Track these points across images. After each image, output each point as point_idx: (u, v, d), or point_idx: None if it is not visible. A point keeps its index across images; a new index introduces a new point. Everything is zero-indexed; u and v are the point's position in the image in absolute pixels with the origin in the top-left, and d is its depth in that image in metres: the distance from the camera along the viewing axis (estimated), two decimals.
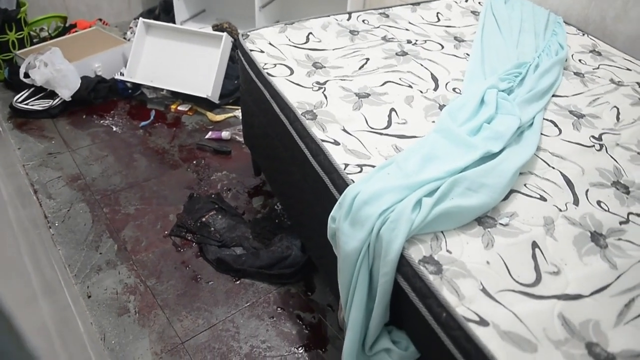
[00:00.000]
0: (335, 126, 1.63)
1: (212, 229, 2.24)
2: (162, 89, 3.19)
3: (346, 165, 1.46)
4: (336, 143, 1.55)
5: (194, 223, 2.27)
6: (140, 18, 3.27)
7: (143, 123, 3.02)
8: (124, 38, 3.60)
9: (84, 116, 3.05)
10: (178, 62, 3.20)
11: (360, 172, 1.44)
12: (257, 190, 2.54)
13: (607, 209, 1.42)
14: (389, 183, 1.33)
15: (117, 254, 2.16)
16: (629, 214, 1.42)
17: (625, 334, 1.09)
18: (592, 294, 1.17)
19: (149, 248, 2.19)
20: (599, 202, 1.44)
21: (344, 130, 1.61)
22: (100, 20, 3.90)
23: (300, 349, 1.82)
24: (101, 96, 3.17)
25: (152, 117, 3.07)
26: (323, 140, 1.55)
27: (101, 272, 2.07)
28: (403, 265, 1.20)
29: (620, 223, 1.38)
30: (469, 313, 1.08)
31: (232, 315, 1.91)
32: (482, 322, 1.06)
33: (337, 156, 1.49)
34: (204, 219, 2.28)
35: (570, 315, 1.11)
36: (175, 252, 2.18)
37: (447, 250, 1.22)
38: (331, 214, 1.37)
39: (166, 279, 2.06)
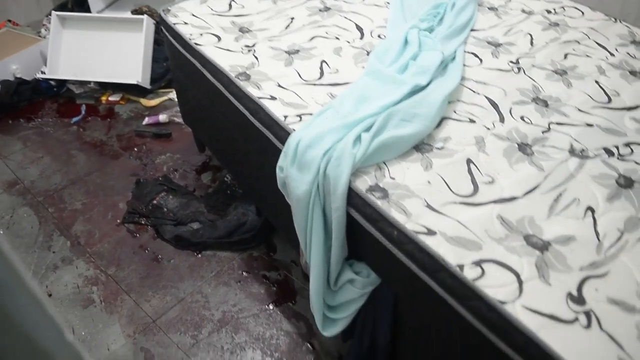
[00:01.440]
0: (269, 83, 1.66)
1: (165, 209, 2.24)
2: (89, 82, 3.09)
3: (285, 117, 1.50)
4: (273, 98, 1.58)
5: (145, 207, 2.26)
6: (53, 12, 3.12)
7: (75, 119, 2.93)
8: (39, 36, 3.44)
9: (10, 121, 2.92)
10: (101, 52, 3.10)
11: (300, 121, 1.49)
12: (204, 167, 2.54)
13: (530, 122, 1.55)
14: (328, 125, 1.38)
15: (72, 250, 2.12)
16: (549, 123, 1.55)
17: (556, 223, 1.22)
18: (524, 194, 1.29)
19: (103, 239, 2.16)
20: (522, 117, 1.56)
21: (279, 86, 1.65)
22: (10, 21, 3.69)
23: (270, 305, 1.87)
24: (25, 98, 3.03)
25: (83, 112, 2.97)
26: (260, 98, 1.58)
27: (58, 270, 2.03)
28: (352, 197, 1.27)
29: (543, 132, 1.51)
30: (418, 227, 1.17)
31: (199, 287, 1.94)
32: (430, 233, 1.15)
33: (276, 110, 1.53)
34: (154, 202, 2.27)
35: (508, 215, 1.22)
36: (131, 238, 2.17)
37: (391, 177, 1.30)
38: (278, 164, 1.42)
39: (127, 265, 2.05)
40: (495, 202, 1.26)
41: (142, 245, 2.13)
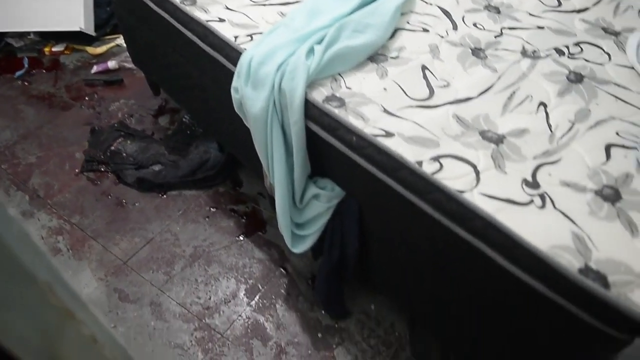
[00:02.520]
0: (217, 6, 1.59)
1: (124, 154, 2.18)
2: (29, 33, 2.91)
3: (236, 37, 1.46)
4: (221, 20, 1.52)
5: (104, 154, 2.20)
6: None
7: (18, 73, 2.77)
8: None
9: None
10: (37, 0, 2.91)
11: (251, 40, 1.45)
12: (161, 110, 2.47)
13: (482, 28, 1.55)
14: (280, 40, 1.35)
15: (31, 203, 2.06)
16: (502, 28, 1.55)
17: (510, 119, 1.24)
18: (479, 95, 1.30)
19: (63, 189, 2.11)
20: (475, 24, 1.56)
21: (227, 8, 1.59)
22: None
23: (241, 236, 1.88)
24: None
25: (26, 66, 2.81)
26: (208, 21, 1.52)
27: None
28: (309, 109, 1.26)
29: (495, 37, 1.51)
30: (376, 130, 1.17)
31: (168, 226, 1.93)
32: (388, 135, 1.16)
33: (226, 32, 1.48)
34: (112, 148, 2.21)
35: (463, 114, 1.24)
36: (92, 186, 2.11)
37: (347, 87, 1.29)
38: (232, 85, 1.39)
39: (90, 212, 2.01)
40: (450, 103, 1.27)
41: (105, 192, 2.08)
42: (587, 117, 1.26)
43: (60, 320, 0.51)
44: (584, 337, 0.98)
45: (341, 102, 1.24)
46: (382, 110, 1.23)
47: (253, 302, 1.69)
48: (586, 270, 0.93)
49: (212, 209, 1.99)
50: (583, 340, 1.00)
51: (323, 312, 1.65)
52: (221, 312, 1.67)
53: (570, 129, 1.23)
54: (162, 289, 1.73)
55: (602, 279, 0.92)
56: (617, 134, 1.20)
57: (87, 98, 2.56)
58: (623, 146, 1.17)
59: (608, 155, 1.15)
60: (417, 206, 1.11)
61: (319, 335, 1.61)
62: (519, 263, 0.98)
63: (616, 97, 1.31)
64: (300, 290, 1.72)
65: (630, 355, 0.97)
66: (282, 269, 1.78)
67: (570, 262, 0.94)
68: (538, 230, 0.99)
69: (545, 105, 1.29)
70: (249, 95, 1.32)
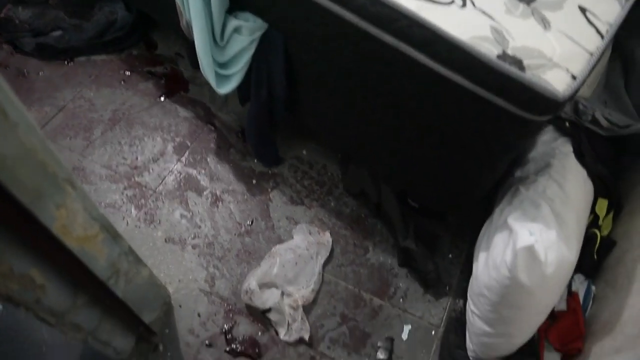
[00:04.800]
0: None
1: (17, 21, 1.94)
2: None
3: None
4: None
5: None
6: None
7: None
8: None
9: None
10: None
11: None
12: None
13: None
14: None
15: None
16: None
17: None
18: None
19: None
20: None
21: None
22: None
23: (162, 97, 1.80)
24: None
25: None
26: None
27: None
28: None
29: None
30: None
31: (80, 92, 1.79)
32: None
33: None
34: (2, 15, 1.96)
35: None
36: None
37: None
38: None
39: None
40: None
41: (1, 64, 1.87)
42: None
43: None
44: (502, 124, 1.05)
45: None
46: None
47: (183, 158, 1.66)
48: (504, 56, 0.98)
49: (127, 72, 1.86)
50: (501, 128, 1.07)
51: (256, 160, 1.66)
52: (150, 170, 1.63)
53: None
54: (83, 154, 1.65)
55: (518, 63, 0.97)
56: None
57: None
58: None
59: None
60: (342, 18, 1.08)
61: (254, 181, 1.63)
62: (442, 58, 1.00)
63: None
64: (231, 142, 1.70)
65: None
66: (209, 125, 1.74)
67: (489, 50, 0.98)
68: (460, 25, 1.01)
69: None
70: None
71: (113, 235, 1.00)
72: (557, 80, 0.97)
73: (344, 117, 1.42)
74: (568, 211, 1.21)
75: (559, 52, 1.01)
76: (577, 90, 0.98)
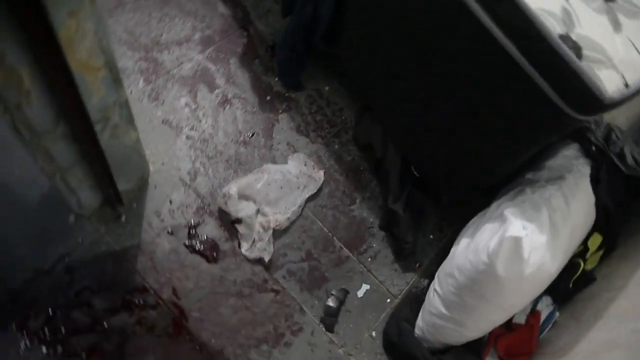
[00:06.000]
0: None
1: None
2: None
3: None
4: None
5: None
6: None
7: None
8: None
9: None
10: None
11: None
12: None
13: None
14: None
15: None
16: None
17: None
18: None
19: None
20: None
21: None
22: None
23: None
24: None
25: None
26: None
27: None
28: None
29: None
30: None
31: None
32: None
33: None
34: None
35: None
36: None
37: None
38: None
39: None
40: None
41: None
42: None
43: None
44: (538, 112, 1.00)
45: None
46: None
47: (207, 51, 1.60)
48: (566, 38, 0.92)
49: None
50: (536, 116, 1.02)
51: (277, 79, 1.61)
52: (171, 51, 1.57)
53: None
54: (111, 13, 1.59)
55: (577, 50, 0.92)
56: None
57: None
58: None
59: None
60: None
61: (268, 98, 1.58)
62: (502, 19, 0.95)
63: None
64: (258, 53, 1.64)
65: None
66: (243, 30, 1.68)
67: (553, 26, 0.92)
68: None
69: None
70: None
71: (115, 78, 0.95)
72: (610, 81, 0.91)
73: (379, 67, 1.36)
74: (565, 227, 1.17)
75: (621, 56, 0.96)
76: (624, 100, 0.93)
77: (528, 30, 0.92)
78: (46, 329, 1.13)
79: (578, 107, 0.95)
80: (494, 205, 1.28)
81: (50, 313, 1.15)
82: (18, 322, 1.13)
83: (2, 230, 1.19)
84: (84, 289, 1.19)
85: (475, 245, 1.14)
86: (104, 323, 1.17)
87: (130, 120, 1.11)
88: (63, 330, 1.14)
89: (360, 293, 1.38)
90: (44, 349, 1.12)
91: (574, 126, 1.06)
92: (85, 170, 1.10)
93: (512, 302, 1.16)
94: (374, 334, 1.35)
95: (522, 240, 1.03)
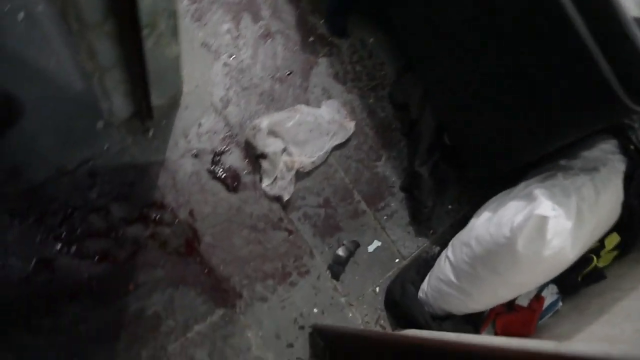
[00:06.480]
0: None
1: None
2: None
3: None
4: None
5: None
6: None
7: None
8: None
9: None
10: None
11: None
12: None
13: None
14: None
15: None
16: None
17: None
18: None
19: None
20: None
21: None
22: None
23: None
24: None
25: None
26: None
27: None
28: None
29: None
30: None
31: None
32: None
33: None
34: None
35: None
36: None
37: None
38: None
39: None
40: None
41: None
42: None
43: None
44: (592, 93, 0.97)
45: None
46: None
47: None
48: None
49: None
50: (589, 98, 0.99)
51: (322, 21, 1.56)
52: None
53: None
54: None
55: None
56: None
57: None
58: None
59: None
60: None
61: (311, 39, 1.54)
62: None
63: None
64: None
65: None
66: None
67: (629, 7, 0.88)
68: None
69: None
70: None
71: None
72: None
73: (431, 26, 1.32)
74: (590, 219, 1.16)
75: None
76: None
77: (603, 8, 0.88)
78: (63, 227, 1.15)
79: (635, 95, 0.91)
80: (521, 184, 1.26)
81: (69, 212, 1.16)
82: (36, 216, 1.14)
83: (32, 121, 1.19)
84: (104, 194, 1.20)
85: (499, 219, 1.13)
86: (119, 231, 1.18)
87: (174, 32, 1.09)
88: (79, 231, 1.15)
89: (370, 248, 1.38)
90: (58, 246, 1.14)
91: (623, 117, 1.02)
92: (124, 75, 1.09)
93: (523, 280, 1.16)
94: (377, 289, 1.36)
95: (548, 220, 1.01)
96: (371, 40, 1.59)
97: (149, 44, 1.02)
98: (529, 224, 1.02)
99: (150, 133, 1.29)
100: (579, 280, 1.38)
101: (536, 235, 1.03)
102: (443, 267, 1.26)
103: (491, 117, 1.26)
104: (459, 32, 1.24)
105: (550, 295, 1.41)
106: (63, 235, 1.14)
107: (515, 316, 1.38)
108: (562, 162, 1.29)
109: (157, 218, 1.21)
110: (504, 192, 1.31)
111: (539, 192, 1.10)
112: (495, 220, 1.14)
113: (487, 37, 1.15)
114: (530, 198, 1.11)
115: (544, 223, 1.02)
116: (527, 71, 1.09)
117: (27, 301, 1.08)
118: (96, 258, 1.15)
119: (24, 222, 1.13)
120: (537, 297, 1.39)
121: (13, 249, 1.10)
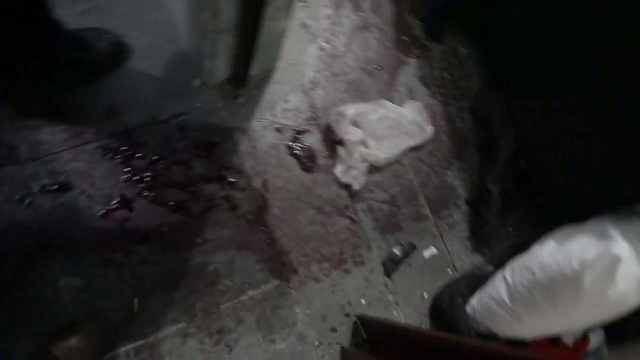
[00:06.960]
0: None
1: None
2: None
3: None
4: None
5: None
6: None
7: None
8: None
9: None
10: None
11: None
12: None
13: None
14: None
15: None
16: None
17: None
18: None
19: None
20: None
21: None
22: None
23: None
24: None
25: None
26: None
27: None
28: None
29: None
30: None
31: None
32: None
33: None
34: None
35: None
36: None
37: None
38: None
39: None
40: None
41: None
42: None
43: None
44: None
45: None
46: None
47: None
48: None
49: None
50: None
51: (419, 23, 1.57)
52: None
53: None
54: None
55: None
56: None
57: None
58: None
59: None
60: None
61: (404, 38, 1.55)
62: None
63: None
64: None
65: None
66: None
67: None
68: None
69: None
70: None
71: None
72: None
73: (527, 45, 1.31)
74: None
75: None
76: None
77: None
78: (147, 172, 1.20)
79: None
80: (593, 220, 1.24)
81: (154, 160, 1.22)
82: (125, 157, 1.20)
83: (136, 67, 1.25)
84: (189, 150, 1.25)
85: (568, 250, 1.12)
86: (197, 187, 1.23)
87: (289, 9, 1.12)
88: (161, 179, 1.21)
89: (426, 254, 1.39)
90: (139, 189, 1.19)
91: None
92: (236, 40, 1.13)
93: (579, 316, 1.15)
94: (425, 295, 1.37)
95: (622, 261, 1.00)
96: (464, 50, 1.60)
97: (267, 15, 1.05)
98: (600, 261, 1.01)
99: (241, 100, 1.33)
100: (630, 328, 1.35)
101: (606, 274, 1.02)
102: (498, 287, 1.26)
103: (578, 150, 1.25)
104: (559, 57, 1.23)
105: (596, 338, 1.39)
106: (146, 180, 1.20)
107: (557, 351, 1.36)
108: (639, 207, 1.27)
109: (233, 182, 1.26)
110: (572, 225, 1.29)
111: (616, 232, 1.09)
112: (564, 251, 1.13)
113: (584, 71, 1.14)
114: (604, 236, 1.10)
115: (617, 263, 1.01)
116: (626, 108, 1.07)
117: (104, 234, 1.14)
118: (172, 207, 1.20)
119: (113, 160, 1.20)
120: (583, 338, 1.37)
121: (99, 185, 1.17)
